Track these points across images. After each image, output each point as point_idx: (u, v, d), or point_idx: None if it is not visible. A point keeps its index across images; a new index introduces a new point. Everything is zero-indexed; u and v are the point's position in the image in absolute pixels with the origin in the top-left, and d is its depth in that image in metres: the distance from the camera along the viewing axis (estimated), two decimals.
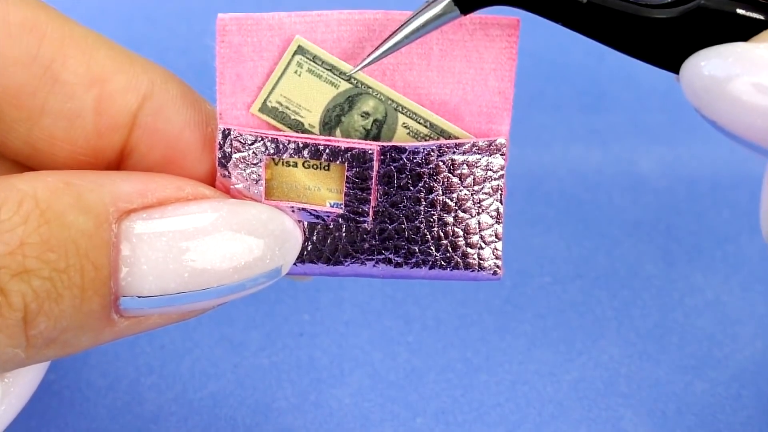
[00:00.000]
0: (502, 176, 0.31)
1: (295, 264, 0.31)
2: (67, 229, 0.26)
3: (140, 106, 0.30)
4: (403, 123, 0.30)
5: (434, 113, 0.30)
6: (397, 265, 0.31)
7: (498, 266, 0.31)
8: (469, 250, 0.31)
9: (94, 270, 0.26)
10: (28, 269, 0.25)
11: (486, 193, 0.31)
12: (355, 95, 0.30)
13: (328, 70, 0.30)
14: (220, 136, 0.30)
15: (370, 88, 0.30)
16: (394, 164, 0.30)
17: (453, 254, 0.31)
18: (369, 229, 0.31)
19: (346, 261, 0.31)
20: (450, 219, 0.31)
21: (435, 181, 0.30)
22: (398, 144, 0.30)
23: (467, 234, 0.31)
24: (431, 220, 0.31)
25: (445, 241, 0.31)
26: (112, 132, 0.30)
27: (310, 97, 0.30)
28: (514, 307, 0.44)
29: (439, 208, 0.31)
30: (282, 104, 0.30)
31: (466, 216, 0.31)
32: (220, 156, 0.30)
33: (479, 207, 0.31)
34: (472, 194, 0.31)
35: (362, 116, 0.30)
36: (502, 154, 0.31)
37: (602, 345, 0.43)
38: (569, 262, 0.45)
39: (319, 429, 0.40)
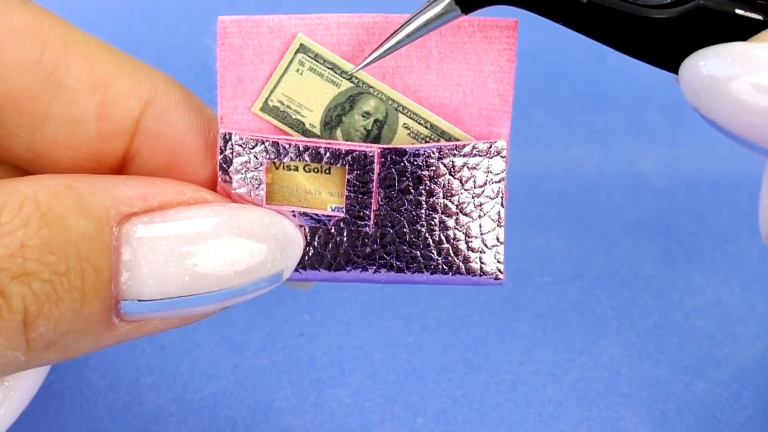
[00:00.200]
0: (502, 179, 0.31)
1: (297, 270, 0.31)
2: (68, 231, 0.26)
3: (143, 112, 0.30)
4: (404, 123, 0.30)
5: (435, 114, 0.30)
6: (399, 270, 0.31)
7: (500, 270, 0.31)
8: (470, 254, 0.31)
9: (95, 273, 0.26)
10: (29, 272, 0.25)
11: (487, 197, 0.31)
12: (356, 94, 0.30)
13: (329, 68, 0.30)
14: (221, 141, 0.30)
15: (372, 87, 0.30)
16: (395, 167, 0.30)
17: (455, 259, 0.31)
18: (370, 233, 0.31)
19: (347, 266, 0.31)
20: (451, 222, 0.31)
21: (436, 183, 0.30)
22: (399, 146, 0.30)
23: (468, 238, 0.31)
24: (432, 223, 0.31)
25: (446, 245, 0.31)
26: (115, 137, 0.30)
27: (311, 96, 0.30)
28: (514, 307, 0.44)
29: (440, 212, 0.31)
30: (283, 103, 0.30)
31: (468, 219, 0.31)
32: (221, 160, 0.30)
33: (480, 210, 0.31)
34: (473, 197, 0.31)
35: (363, 116, 0.30)
36: (502, 157, 0.31)
37: (602, 345, 0.43)
38: (569, 262, 0.45)
39: (319, 429, 0.40)
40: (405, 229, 0.31)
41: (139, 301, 0.27)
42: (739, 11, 0.28)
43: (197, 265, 0.28)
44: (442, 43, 0.30)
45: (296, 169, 0.30)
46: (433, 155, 0.30)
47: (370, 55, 0.29)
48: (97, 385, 0.41)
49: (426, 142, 0.30)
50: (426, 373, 0.42)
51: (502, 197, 0.31)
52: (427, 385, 0.42)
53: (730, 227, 0.47)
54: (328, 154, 0.30)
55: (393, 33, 0.29)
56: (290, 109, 0.30)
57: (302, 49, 0.30)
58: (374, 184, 0.30)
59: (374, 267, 0.31)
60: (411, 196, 0.30)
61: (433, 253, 0.31)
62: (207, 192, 0.29)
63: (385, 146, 0.30)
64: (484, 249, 0.31)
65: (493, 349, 0.43)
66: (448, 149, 0.30)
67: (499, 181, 0.31)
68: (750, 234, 0.46)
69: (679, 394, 0.41)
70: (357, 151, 0.30)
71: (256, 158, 0.30)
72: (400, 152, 0.30)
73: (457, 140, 0.30)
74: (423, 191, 0.30)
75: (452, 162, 0.30)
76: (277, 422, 0.40)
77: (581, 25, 0.29)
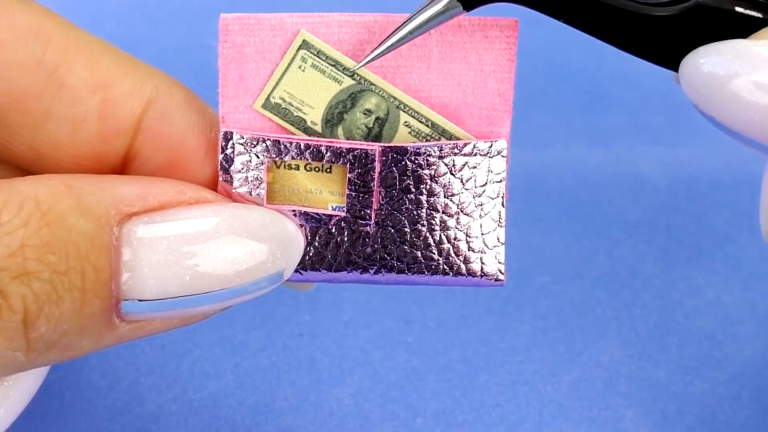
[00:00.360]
0: (503, 179, 0.31)
1: (298, 272, 0.30)
2: (68, 231, 0.26)
3: (144, 111, 0.30)
4: (405, 122, 0.30)
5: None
6: (400, 271, 0.31)
7: (501, 271, 0.31)
8: (471, 254, 0.31)
9: (95, 272, 0.26)
10: (29, 271, 0.25)
11: (488, 196, 0.31)
12: (358, 92, 0.30)
13: (331, 65, 0.30)
14: (222, 140, 0.30)
15: (373, 84, 0.30)
16: (396, 165, 0.30)
17: (456, 259, 0.31)
18: (371, 232, 0.31)
19: (348, 267, 0.31)
20: (452, 223, 0.31)
21: (437, 183, 0.30)
22: (400, 145, 0.30)
23: (469, 238, 0.31)
24: (433, 223, 0.31)
25: (447, 246, 0.31)
26: (116, 136, 0.30)
27: (313, 93, 0.30)
28: (514, 307, 0.44)
29: (441, 211, 0.31)
30: (285, 101, 0.30)
31: (469, 219, 0.31)
32: (222, 159, 0.30)
33: (481, 210, 0.31)
34: (474, 197, 0.31)
35: (365, 114, 0.30)
36: (503, 157, 0.31)
37: (602, 345, 0.43)
38: (569, 262, 0.45)
39: (319, 429, 0.40)
40: (406, 229, 0.31)
41: (140, 301, 0.27)
42: (739, 9, 0.28)
43: (198, 265, 0.28)
44: (442, 42, 0.30)
45: (297, 168, 0.30)
46: (434, 154, 0.30)
47: (372, 51, 0.29)
48: (97, 385, 0.41)
49: (427, 140, 0.30)
50: (426, 373, 0.42)
51: (502, 197, 0.31)
52: (427, 385, 0.42)
53: (730, 227, 0.47)
54: (329, 153, 0.30)
55: (395, 30, 0.29)
56: (292, 106, 0.30)
57: (305, 45, 0.30)
58: (375, 182, 0.30)
59: (375, 268, 0.31)
60: (412, 195, 0.30)
61: (434, 254, 0.31)
62: (207, 191, 0.29)
63: (387, 145, 0.30)
64: (485, 249, 0.31)
65: (493, 349, 0.43)
66: (449, 148, 0.30)
67: (499, 181, 0.31)
68: (750, 234, 0.46)
69: (679, 394, 0.41)
70: (358, 149, 0.30)
71: (257, 157, 0.30)
72: (402, 151, 0.30)
73: (458, 139, 0.30)
74: (424, 190, 0.30)
75: (453, 161, 0.30)
76: (277, 422, 0.40)
77: (582, 22, 0.29)
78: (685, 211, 0.47)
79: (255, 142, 0.30)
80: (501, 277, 0.31)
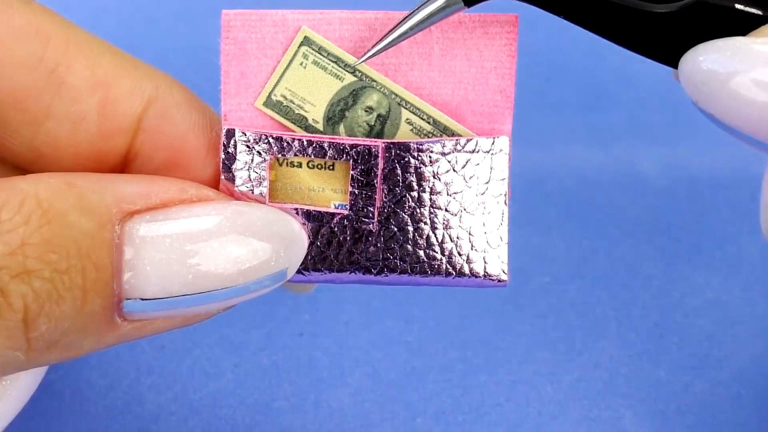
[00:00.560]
0: (506, 177, 0.31)
1: (301, 272, 0.30)
2: (69, 229, 0.26)
3: (144, 110, 0.30)
4: (407, 119, 0.30)
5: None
6: (403, 271, 0.31)
7: (504, 271, 0.31)
8: (474, 254, 0.31)
9: (96, 271, 0.26)
10: (29, 270, 0.25)
11: (491, 194, 0.31)
12: (360, 89, 0.30)
13: (333, 62, 0.30)
14: (224, 137, 0.30)
15: (375, 81, 0.30)
16: (399, 162, 0.30)
17: (458, 258, 0.31)
18: (374, 231, 0.30)
19: (351, 267, 0.31)
20: (455, 221, 0.31)
21: (439, 180, 0.30)
22: (403, 141, 0.30)
23: (472, 236, 0.31)
24: (436, 221, 0.31)
25: (450, 244, 0.31)
26: (116, 135, 0.30)
27: (314, 91, 0.30)
28: (514, 307, 0.44)
29: (443, 209, 0.30)
30: (286, 98, 0.30)
31: (471, 218, 0.31)
32: (224, 157, 0.30)
33: (484, 208, 0.31)
34: (476, 195, 0.31)
35: (366, 111, 0.30)
36: (505, 154, 0.31)
37: (602, 345, 0.43)
38: (569, 262, 0.45)
39: (319, 429, 0.40)
40: (408, 227, 0.30)
41: (142, 300, 0.27)
42: (738, 6, 0.28)
43: (201, 264, 0.27)
44: (443, 39, 0.30)
45: (300, 165, 0.30)
46: (436, 150, 0.30)
47: (374, 47, 0.29)
48: (97, 384, 0.41)
49: (429, 138, 0.30)
50: (426, 373, 0.42)
51: (505, 195, 0.31)
52: (427, 385, 0.42)
53: (730, 227, 0.47)
54: (331, 149, 0.30)
55: (397, 25, 0.29)
56: (293, 103, 0.30)
57: (306, 41, 0.30)
58: (378, 179, 0.30)
59: (377, 267, 0.31)
60: (415, 193, 0.30)
61: (437, 253, 0.31)
62: (210, 190, 0.29)
63: (390, 141, 0.30)
64: (488, 248, 0.31)
65: (492, 349, 0.43)
66: (452, 145, 0.30)
67: (502, 179, 0.31)
68: (750, 234, 0.46)
69: (679, 394, 0.41)
70: (361, 145, 0.30)
71: (260, 155, 0.30)
72: (405, 147, 0.30)
73: (460, 137, 0.30)
74: (427, 188, 0.30)
75: (456, 158, 0.30)
76: (277, 422, 0.40)
77: (582, 18, 0.29)
78: (685, 211, 0.47)
79: (257, 140, 0.30)
80: (504, 277, 0.31)
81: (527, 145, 0.49)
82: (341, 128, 0.30)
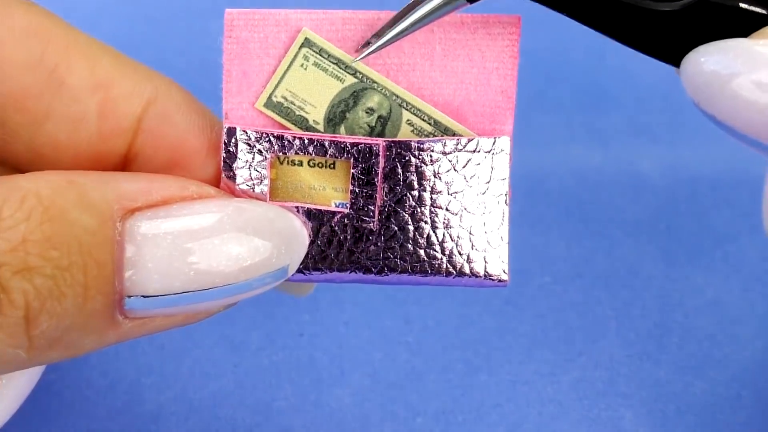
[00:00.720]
0: (506, 176, 0.31)
1: (301, 272, 0.30)
2: (70, 226, 0.26)
3: (144, 111, 0.30)
4: (408, 120, 0.30)
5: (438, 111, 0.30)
6: (403, 270, 0.31)
7: (504, 271, 0.31)
8: (474, 253, 0.31)
9: (97, 268, 0.26)
10: (30, 266, 0.25)
11: (491, 194, 0.31)
12: (360, 90, 0.30)
13: (334, 63, 0.30)
14: (225, 135, 0.30)
15: (376, 82, 0.30)
16: (400, 161, 0.30)
17: (459, 258, 0.31)
18: (374, 230, 0.30)
19: (351, 266, 0.31)
20: (455, 221, 0.31)
21: (440, 179, 0.30)
22: (404, 140, 0.30)
23: (472, 236, 0.31)
24: (436, 220, 0.31)
25: (450, 244, 0.31)
26: (116, 136, 0.30)
27: (315, 92, 0.30)
28: (514, 307, 0.44)
29: (444, 209, 0.30)
30: (287, 99, 0.30)
31: (472, 217, 0.31)
32: (224, 156, 0.30)
33: (484, 208, 0.31)
34: (477, 194, 0.31)
35: (367, 112, 0.30)
36: (506, 154, 0.31)
37: (602, 345, 0.43)
38: (569, 262, 0.46)
39: (319, 429, 0.40)
40: (409, 226, 0.30)
41: (144, 297, 0.27)
42: (742, 5, 0.28)
43: (202, 261, 0.27)
44: (445, 39, 0.30)
45: (300, 164, 0.30)
46: (437, 150, 0.30)
47: (373, 44, 0.29)
48: (97, 384, 0.41)
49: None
50: (426, 373, 0.42)
51: (506, 195, 0.31)
52: (427, 385, 0.42)
53: (730, 227, 0.47)
54: (332, 148, 0.30)
55: (396, 20, 0.29)
56: (294, 105, 0.30)
57: (307, 43, 0.30)
58: (379, 178, 0.30)
59: (378, 267, 0.31)
60: (415, 192, 0.30)
61: (437, 252, 0.31)
62: (210, 187, 0.29)
63: (391, 140, 0.30)
64: (488, 248, 0.31)
65: (493, 349, 0.43)
66: (453, 144, 0.30)
67: (502, 179, 0.31)
68: (750, 234, 0.46)
69: (679, 394, 0.41)
70: (362, 143, 0.30)
71: (260, 153, 0.30)
72: (405, 146, 0.30)
73: (461, 136, 0.30)
74: (427, 187, 0.30)
75: (457, 157, 0.30)
76: (277, 422, 0.40)
77: (584, 15, 0.29)
78: (685, 211, 0.47)
79: (258, 138, 0.30)
80: (504, 277, 0.31)
81: (527, 145, 0.49)
82: (342, 130, 0.30)
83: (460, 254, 0.31)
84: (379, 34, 0.29)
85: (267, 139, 0.30)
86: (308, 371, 0.42)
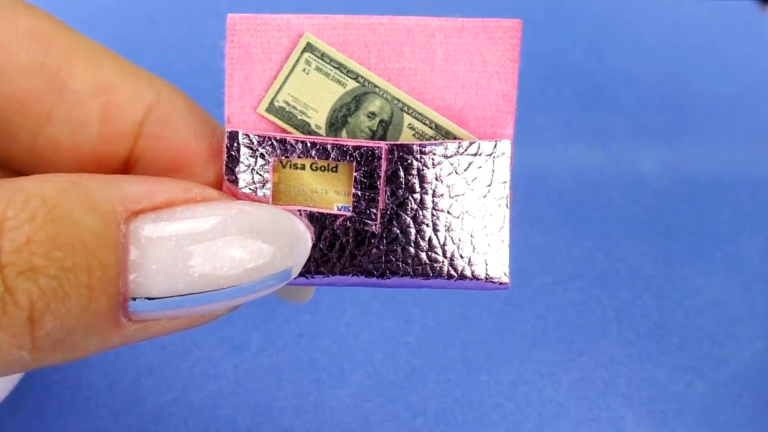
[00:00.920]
0: (507, 180, 0.31)
1: (303, 276, 0.30)
2: (75, 227, 0.26)
3: (146, 115, 0.30)
4: (409, 124, 0.30)
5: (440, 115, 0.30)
6: (405, 273, 0.31)
7: (506, 274, 0.31)
8: (476, 256, 0.31)
9: (102, 269, 0.26)
10: (35, 267, 0.25)
11: (492, 198, 0.31)
12: (362, 94, 0.30)
13: (336, 68, 0.30)
14: (227, 140, 0.30)
15: (377, 87, 0.30)
16: (402, 164, 0.30)
17: (460, 261, 0.31)
18: (376, 233, 0.31)
19: (353, 270, 0.31)
20: (457, 224, 0.31)
21: (441, 182, 0.30)
22: (406, 143, 0.30)
23: (473, 238, 0.31)
24: (438, 224, 0.31)
25: (451, 247, 0.31)
26: (118, 140, 0.30)
27: (317, 96, 0.30)
28: (515, 307, 0.44)
29: (445, 212, 0.31)
30: (289, 104, 0.30)
31: (473, 220, 0.31)
32: (227, 160, 0.30)
33: (485, 211, 0.31)
34: (478, 198, 0.31)
35: (368, 116, 0.30)
36: (507, 157, 0.31)
37: (602, 345, 0.43)
38: (569, 262, 0.46)
39: (319, 429, 0.40)
40: (411, 229, 0.31)
41: (148, 299, 0.27)
42: None
43: (205, 263, 0.27)
44: (446, 44, 0.30)
45: (303, 167, 0.30)
46: (439, 153, 0.30)
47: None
48: (97, 385, 0.41)
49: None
50: (426, 373, 0.42)
51: (507, 199, 0.31)
52: (427, 385, 0.42)
53: (730, 227, 0.47)
54: (335, 151, 0.30)
55: None
56: (296, 109, 0.30)
57: (309, 47, 0.30)
58: (381, 181, 0.30)
59: (380, 270, 0.31)
60: (417, 195, 0.30)
61: (438, 255, 0.31)
62: (213, 190, 0.29)
63: (393, 143, 0.30)
64: (490, 251, 0.31)
65: (493, 349, 0.43)
66: (454, 147, 0.30)
67: (503, 182, 0.31)
68: (750, 234, 0.46)
69: (679, 394, 0.41)
70: (364, 147, 0.30)
71: (263, 157, 0.30)
72: (407, 149, 0.30)
73: (462, 140, 0.31)
74: (429, 190, 0.30)
75: (458, 161, 0.30)
76: (277, 422, 0.40)
77: None
78: (685, 211, 0.47)
79: (260, 142, 0.30)
80: (505, 279, 0.31)
81: (527, 145, 0.49)
82: (343, 134, 0.30)
83: (461, 257, 0.31)
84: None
85: (269, 142, 0.30)
86: (308, 372, 0.42)
